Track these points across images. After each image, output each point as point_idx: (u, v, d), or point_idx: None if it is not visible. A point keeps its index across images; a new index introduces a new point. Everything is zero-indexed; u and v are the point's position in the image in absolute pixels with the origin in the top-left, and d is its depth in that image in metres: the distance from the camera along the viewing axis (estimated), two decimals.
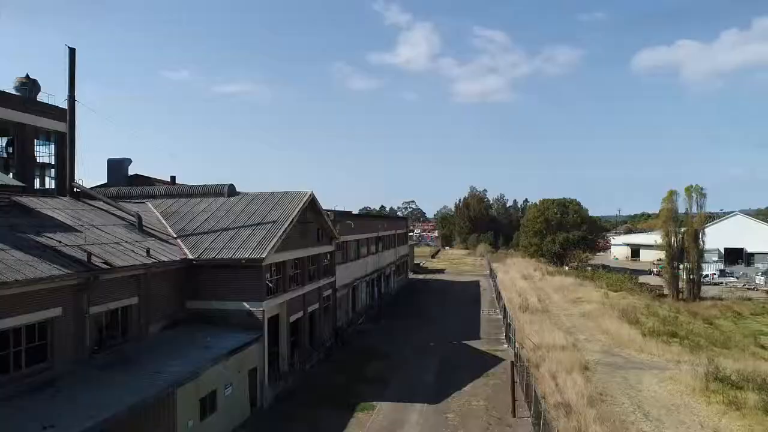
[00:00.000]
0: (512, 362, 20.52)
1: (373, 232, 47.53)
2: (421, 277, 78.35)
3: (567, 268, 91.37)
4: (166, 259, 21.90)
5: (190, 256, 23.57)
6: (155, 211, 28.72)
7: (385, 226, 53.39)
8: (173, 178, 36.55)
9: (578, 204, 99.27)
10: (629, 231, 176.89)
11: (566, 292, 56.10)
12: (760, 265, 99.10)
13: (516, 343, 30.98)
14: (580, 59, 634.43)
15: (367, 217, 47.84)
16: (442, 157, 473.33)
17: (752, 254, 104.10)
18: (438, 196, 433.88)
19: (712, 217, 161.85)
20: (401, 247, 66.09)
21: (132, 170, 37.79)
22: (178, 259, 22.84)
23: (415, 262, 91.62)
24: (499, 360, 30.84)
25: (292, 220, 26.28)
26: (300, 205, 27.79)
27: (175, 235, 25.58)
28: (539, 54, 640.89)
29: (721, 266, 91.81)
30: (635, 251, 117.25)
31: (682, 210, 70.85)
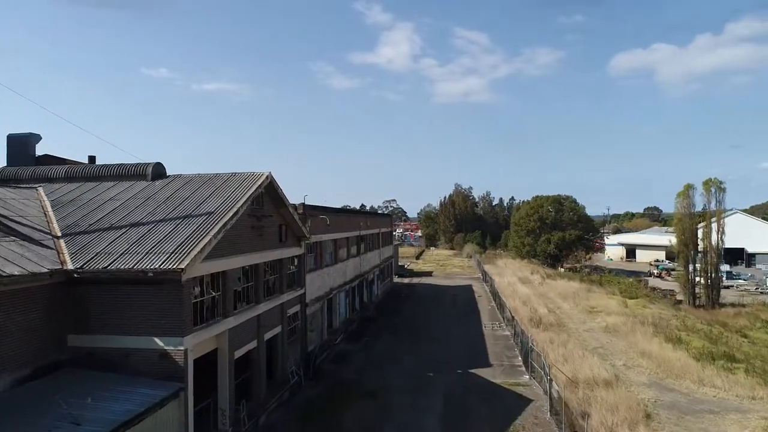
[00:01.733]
0: None
1: (353, 230, 39.42)
2: (406, 281, 70.39)
3: (563, 270, 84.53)
4: (17, 272, 13.45)
5: (71, 266, 15.15)
6: (45, 198, 20.19)
7: (368, 223, 45.35)
8: (92, 158, 27.90)
9: (574, 201, 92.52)
10: (617, 230, 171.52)
11: (577, 300, 48.70)
12: (762, 266, 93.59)
13: (548, 376, 23.08)
14: (559, 61, 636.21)
15: (346, 212, 39.76)
16: (423, 156, 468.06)
17: (753, 255, 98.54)
18: (419, 196, 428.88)
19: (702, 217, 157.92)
20: (385, 248, 58.11)
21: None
22: (45, 270, 14.39)
23: (399, 263, 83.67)
24: (526, 401, 23.01)
25: (238, 211, 18.02)
26: (251, 192, 19.53)
27: (60, 234, 17.12)
28: (519, 56, 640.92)
29: (728, 267, 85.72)
30: (630, 251, 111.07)
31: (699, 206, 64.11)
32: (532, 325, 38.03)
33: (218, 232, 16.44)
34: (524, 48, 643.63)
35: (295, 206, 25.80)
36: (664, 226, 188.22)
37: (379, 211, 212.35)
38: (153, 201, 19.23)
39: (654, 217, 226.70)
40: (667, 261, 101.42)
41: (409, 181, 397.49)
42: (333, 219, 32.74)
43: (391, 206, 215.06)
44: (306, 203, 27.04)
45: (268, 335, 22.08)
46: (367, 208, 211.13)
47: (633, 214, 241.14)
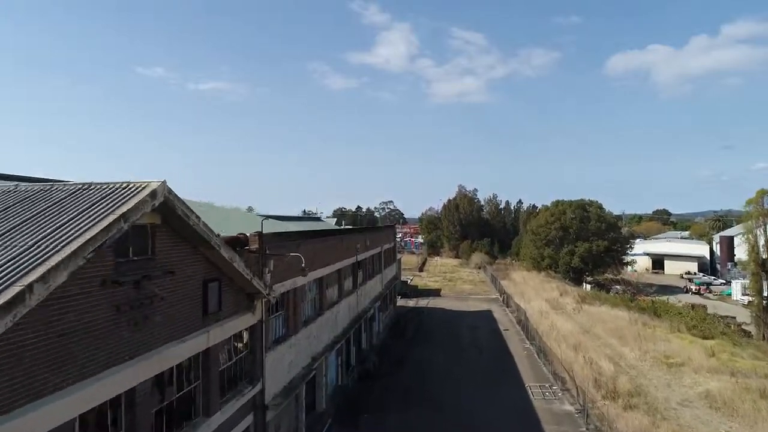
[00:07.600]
0: None
1: (348, 257, 27.97)
2: (411, 303, 58.88)
3: (589, 287, 73.35)
4: None
5: None
6: None
7: (367, 243, 33.90)
8: None
9: (600, 207, 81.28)
10: (631, 236, 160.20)
11: (639, 342, 37.31)
12: None
13: None
14: (555, 62, 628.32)
15: (335, 235, 27.96)
16: (420, 157, 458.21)
17: None
18: (416, 197, 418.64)
19: (720, 221, 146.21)
20: (389, 269, 46.65)
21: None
22: None
23: (401, 278, 72.17)
24: None
25: (19, 300, 6.54)
26: (95, 232, 8.04)
27: None
28: (515, 56, 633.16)
29: None
30: (657, 262, 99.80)
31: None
32: (602, 393, 26.79)
33: None
34: (520, 49, 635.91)
35: (240, 238, 14.35)
36: (675, 230, 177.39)
37: (376, 213, 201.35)
38: None
39: (664, 221, 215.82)
40: (701, 274, 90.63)
41: (406, 182, 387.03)
42: (317, 249, 21.27)
43: (388, 208, 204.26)
44: (264, 231, 15.48)
45: None
46: (364, 210, 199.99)
47: (641, 217, 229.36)
